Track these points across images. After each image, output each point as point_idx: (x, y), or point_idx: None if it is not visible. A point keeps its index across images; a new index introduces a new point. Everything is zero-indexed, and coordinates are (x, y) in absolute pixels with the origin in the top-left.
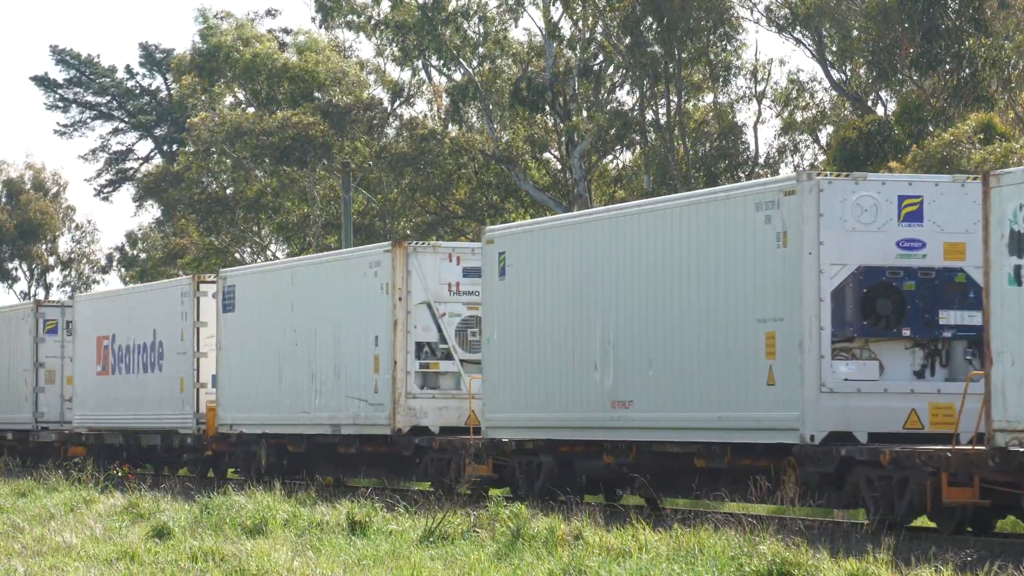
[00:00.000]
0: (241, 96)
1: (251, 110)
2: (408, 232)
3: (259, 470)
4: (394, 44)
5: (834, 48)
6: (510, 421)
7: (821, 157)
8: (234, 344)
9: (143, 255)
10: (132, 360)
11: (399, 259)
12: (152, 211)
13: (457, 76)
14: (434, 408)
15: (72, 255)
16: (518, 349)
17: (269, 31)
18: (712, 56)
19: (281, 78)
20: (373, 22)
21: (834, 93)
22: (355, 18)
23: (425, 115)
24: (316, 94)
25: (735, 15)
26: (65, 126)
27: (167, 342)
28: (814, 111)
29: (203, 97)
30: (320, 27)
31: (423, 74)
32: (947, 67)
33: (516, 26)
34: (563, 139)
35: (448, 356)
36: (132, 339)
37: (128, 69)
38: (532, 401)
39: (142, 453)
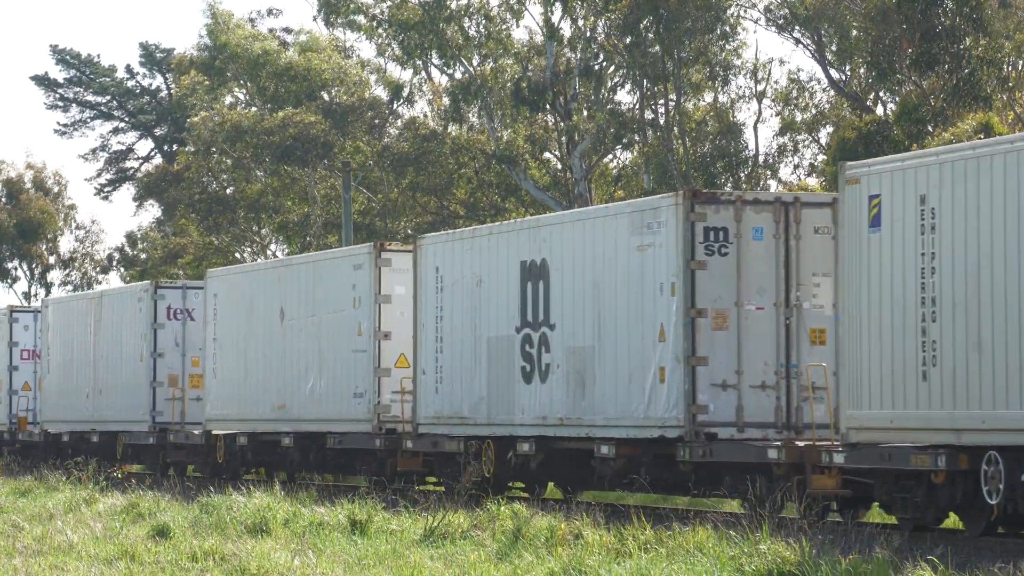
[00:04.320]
0: (241, 96)
1: (253, 109)
2: (409, 232)
3: None
4: (395, 43)
5: (833, 48)
6: None
7: (820, 157)
8: None
9: (143, 255)
10: None
11: None
12: (152, 211)
13: (458, 75)
14: None
15: (74, 254)
16: None
17: (270, 30)
18: (711, 56)
19: (285, 76)
20: (376, 21)
21: (833, 93)
22: (356, 18)
23: (426, 115)
24: (322, 93)
25: (733, 14)
26: (65, 125)
27: None
28: (814, 111)
29: (205, 96)
30: (321, 26)
31: (424, 73)
32: (946, 67)
33: (518, 26)
34: (563, 139)
35: None
36: None
37: (128, 69)
38: None
39: None
